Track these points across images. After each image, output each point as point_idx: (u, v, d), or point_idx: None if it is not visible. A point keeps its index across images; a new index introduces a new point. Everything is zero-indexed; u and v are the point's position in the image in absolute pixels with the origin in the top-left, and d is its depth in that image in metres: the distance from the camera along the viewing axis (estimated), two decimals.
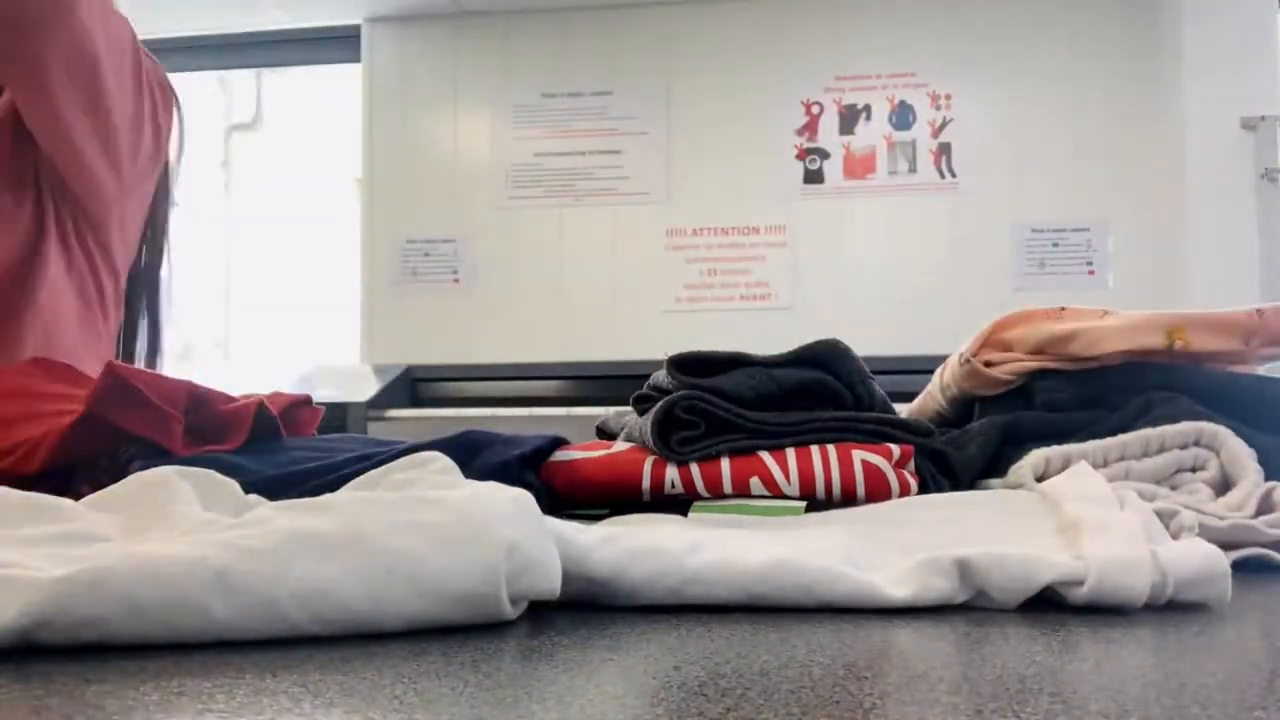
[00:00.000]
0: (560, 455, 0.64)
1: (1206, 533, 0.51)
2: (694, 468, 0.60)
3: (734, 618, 0.41)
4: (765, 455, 0.61)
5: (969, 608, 0.43)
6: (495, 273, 3.15)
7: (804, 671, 0.33)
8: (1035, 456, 0.62)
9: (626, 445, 0.65)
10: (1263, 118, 2.64)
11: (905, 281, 2.96)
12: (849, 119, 3.04)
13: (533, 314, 3.13)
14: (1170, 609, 0.41)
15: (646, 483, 0.60)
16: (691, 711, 0.28)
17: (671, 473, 0.60)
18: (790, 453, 0.61)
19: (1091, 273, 2.90)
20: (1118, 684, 0.31)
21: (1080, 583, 0.40)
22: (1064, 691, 0.30)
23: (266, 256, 3.53)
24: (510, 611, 0.38)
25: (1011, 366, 0.72)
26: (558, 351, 3.06)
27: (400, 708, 0.29)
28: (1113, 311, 0.72)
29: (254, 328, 3.51)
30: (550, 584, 0.40)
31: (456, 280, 3.17)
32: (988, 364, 0.74)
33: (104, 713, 0.28)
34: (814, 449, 0.61)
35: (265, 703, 0.29)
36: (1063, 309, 0.74)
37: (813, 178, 3.04)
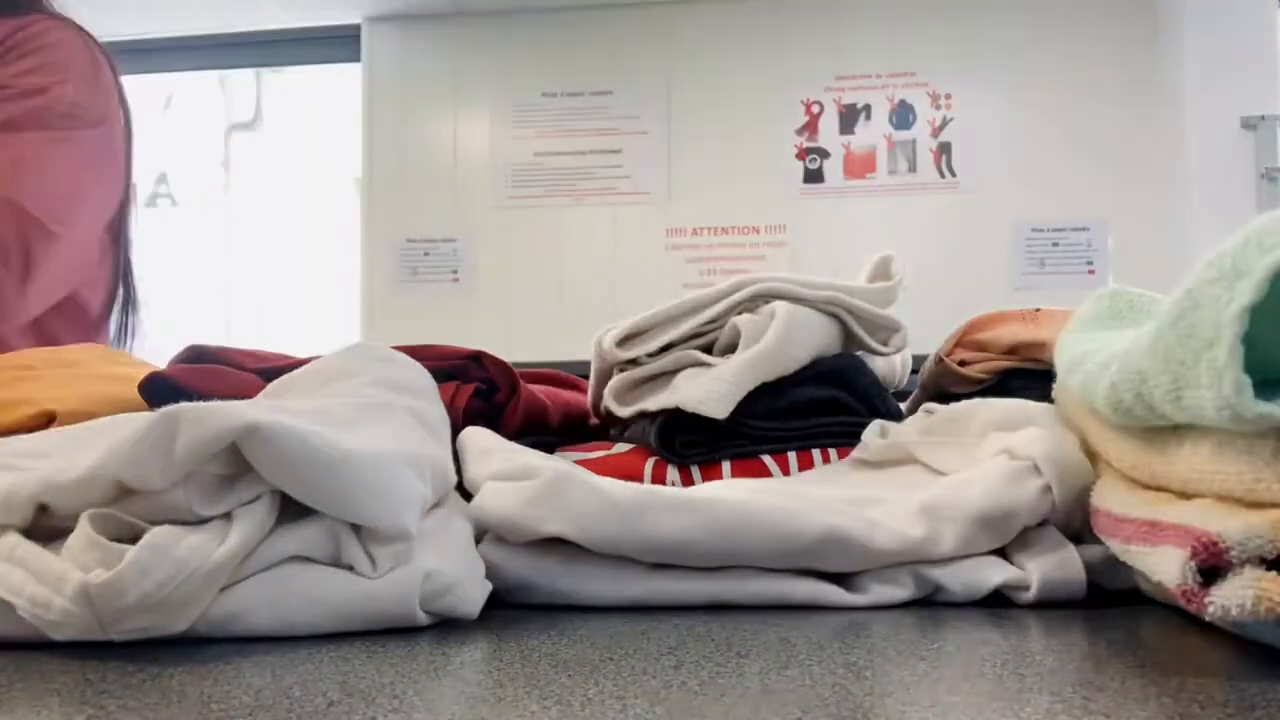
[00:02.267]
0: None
1: None
2: (695, 469, 0.60)
3: (734, 618, 0.41)
4: (766, 457, 0.61)
5: (971, 607, 0.43)
6: (495, 273, 3.15)
7: (804, 671, 0.33)
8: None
9: (627, 446, 0.65)
10: (1263, 117, 2.64)
11: (905, 281, 2.96)
12: (849, 118, 3.04)
13: (533, 314, 3.12)
14: (1172, 609, 0.41)
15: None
16: (692, 711, 0.28)
17: (672, 474, 0.60)
18: (792, 455, 0.61)
19: (1091, 273, 2.90)
20: (1117, 684, 0.31)
21: (1026, 587, 0.43)
22: (1063, 692, 0.30)
23: (266, 256, 3.52)
24: (424, 619, 0.39)
25: (984, 365, 0.72)
26: (558, 351, 3.05)
27: (400, 707, 0.29)
28: None
29: (254, 327, 3.50)
30: (468, 607, 0.40)
31: (456, 280, 3.17)
32: (961, 363, 0.73)
33: (104, 713, 0.28)
34: (815, 452, 0.61)
35: (266, 703, 0.29)
36: (1038, 310, 0.74)
37: (813, 177, 3.04)
